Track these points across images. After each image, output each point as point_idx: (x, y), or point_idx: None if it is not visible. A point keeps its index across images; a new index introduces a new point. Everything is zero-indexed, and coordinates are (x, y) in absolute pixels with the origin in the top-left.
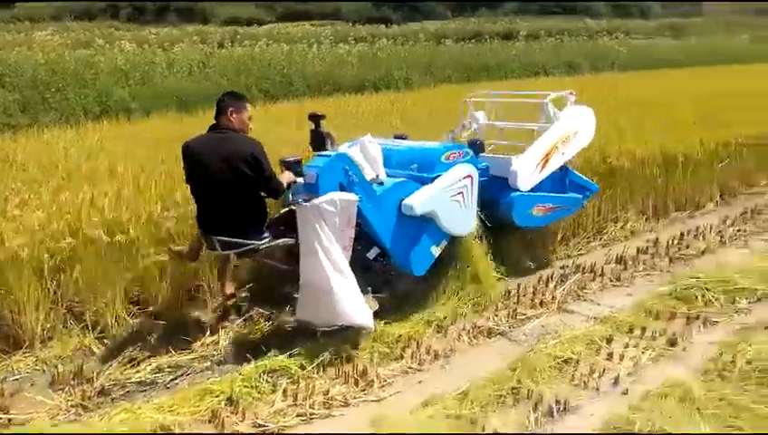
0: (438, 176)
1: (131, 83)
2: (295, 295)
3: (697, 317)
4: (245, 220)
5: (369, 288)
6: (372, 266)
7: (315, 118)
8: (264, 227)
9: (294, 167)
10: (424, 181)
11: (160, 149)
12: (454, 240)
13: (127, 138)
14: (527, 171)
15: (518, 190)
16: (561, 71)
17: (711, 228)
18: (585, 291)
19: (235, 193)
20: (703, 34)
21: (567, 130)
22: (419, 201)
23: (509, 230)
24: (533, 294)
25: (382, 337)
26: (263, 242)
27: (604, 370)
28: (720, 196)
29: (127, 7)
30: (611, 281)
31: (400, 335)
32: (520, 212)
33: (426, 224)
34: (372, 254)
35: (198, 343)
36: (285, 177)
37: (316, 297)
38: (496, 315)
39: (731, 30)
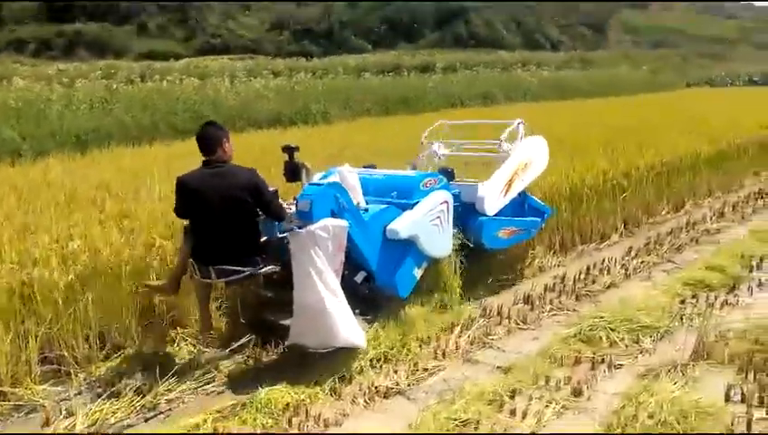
0: (418, 202)
1: (22, 122)
2: (281, 322)
3: (602, 361)
4: (243, 249)
5: (357, 311)
6: (358, 290)
7: (289, 150)
8: (256, 255)
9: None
10: (404, 207)
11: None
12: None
13: None
14: (493, 197)
15: (485, 215)
16: (476, 102)
17: (616, 261)
18: (491, 337)
19: (235, 223)
20: (607, 66)
21: (525, 158)
22: (403, 226)
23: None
24: (437, 343)
25: (268, 405)
26: (257, 269)
27: (506, 430)
28: (624, 226)
29: (33, 42)
30: (518, 324)
31: (288, 404)
32: (488, 235)
33: (408, 247)
34: (359, 278)
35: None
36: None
37: (312, 319)
38: (396, 371)
39: (633, 62)
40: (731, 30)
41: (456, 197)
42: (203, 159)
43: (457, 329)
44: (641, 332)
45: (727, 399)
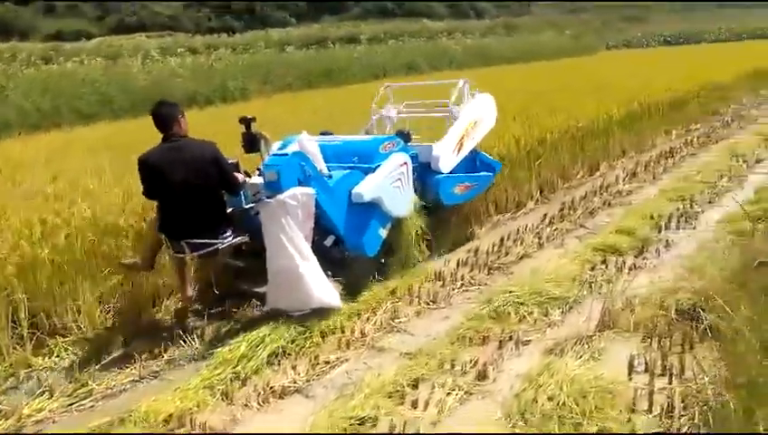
0: (379, 165)
1: None
2: (254, 290)
3: (510, 338)
4: (211, 221)
5: (329, 273)
6: (328, 254)
7: (246, 121)
8: (225, 226)
9: (234, 168)
10: (366, 171)
11: None
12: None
13: None
14: (447, 155)
15: (441, 173)
16: (401, 72)
17: (530, 230)
18: (399, 320)
19: (200, 196)
20: (531, 32)
21: (475, 116)
22: (367, 189)
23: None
24: (342, 332)
25: (147, 419)
26: (226, 241)
27: (405, 424)
28: (540, 193)
29: None
30: (428, 304)
31: (171, 415)
32: (445, 192)
33: (372, 209)
34: (329, 241)
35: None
36: (239, 177)
37: (287, 284)
38: (294, 367)
39: (556, 27)
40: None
41: (414, 158)
42: (161, 136)
43: (365, 315)
44: (550, 304)
45: (630, 370)
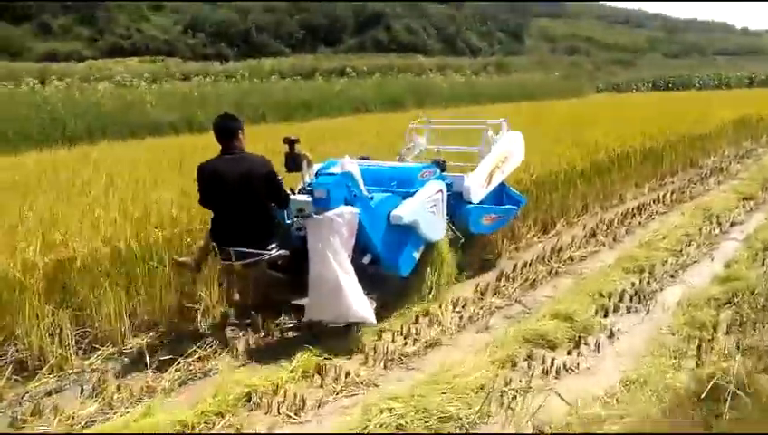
0: (417, 191)
1: None
2: (293, 302)
3: None
4: (259, 233)
5: (366, 291)
6: (365, 271)
7: (290, 142)
8: (271, 239)
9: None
10: (405, 196)
11: None
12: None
13: None
14: (477, 186)
15: (471, 203)
16: (385, 107)
17: (453, 306)
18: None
19: (251, 208)
20: (522, 71)
21: (505, 151)
22: (406, 212)
23: None
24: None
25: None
26: (271, 253)
27: None
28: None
29: None
30: (289, 416)
31: None
32: (474, 221)
33: (409, 232)
34: (366, 259)
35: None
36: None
37: (328, 296)
38: None
39: (547, 68)
40: (640, 39)
41: (449, 186)
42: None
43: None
44: (441, 427)
45: None
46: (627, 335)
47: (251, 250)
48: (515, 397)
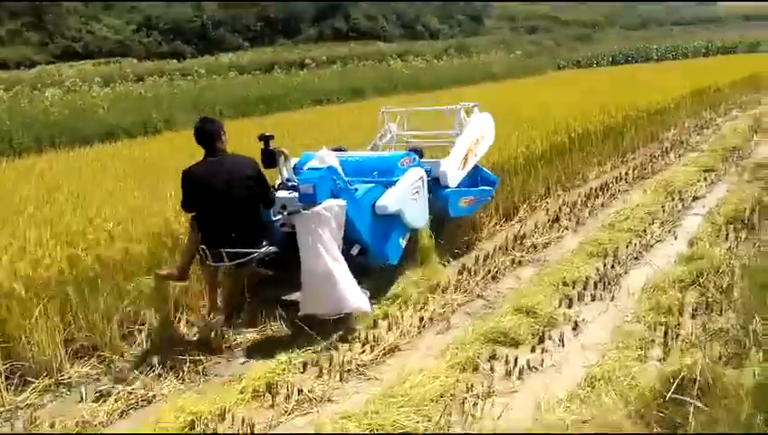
0: (398, 179)
1: None
2: (285, 298)
3: None
4: (249, 232)
5: (358, 280)
6: (354, 262)
7: (265, 138)
8: (261, 236)
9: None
10: (387, 185)
11: None
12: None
13: None
14: (454, 171)
15: (448, 187)
16: (345, 96)
17: (413, 305)
18: None
19: (240, 208)
20: (483, 52)
21: (477, 134)
22: (391, 201)
23: None
24: None
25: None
26: (263, 250)
27: None
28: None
29: None
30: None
31: None
32: (453, 205)
33: (394, 220)
34: (355, 250)
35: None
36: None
37: (322, 289)
38: None
39: (508, 47)
40: (597, 14)
41: (428, 172)
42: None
43: None
44: None
45: None
46: (592, 326)
47: (243, 250)
48: (476, 404)
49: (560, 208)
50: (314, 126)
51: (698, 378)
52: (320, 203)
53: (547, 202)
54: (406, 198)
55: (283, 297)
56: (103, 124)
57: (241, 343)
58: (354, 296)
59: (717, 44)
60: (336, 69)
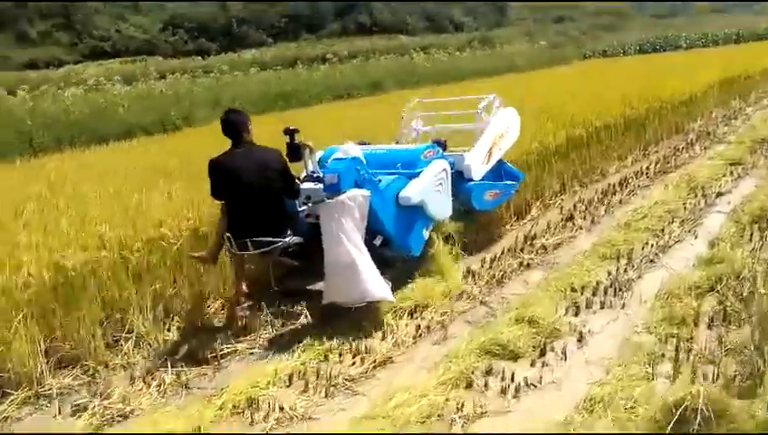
0: (421, 171)
1: None
2: (309, 287)
3: None
4: (275, 221)
5: (381, 271)
6: (376, 252)
7: (290, 132)
8: (286, 226)
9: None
10: (411, 177)
11: None
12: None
13: None
14: (478, 164)
15: (472, 180)
16: (365, 91)
17: (410, 312)
18: None
19: (266, 198)
20: (507, 43)
21: (501, 128)
22: (414, 192)
23: None
24: None
25: None
26: (288, 240)
27: None
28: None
29: None
30: None
31: None
32: (477, 198)
33: (417, 212)
34: (378, 241)
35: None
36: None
37: (345, 278)
38: None
39: (532, 38)
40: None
41: (452, 165)
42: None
43: None
44: None
45: None
46: (598, 337)
47: (268, 239)
48: (465, 425)
49: (575, 206)
50: (330, 121)
51: (702, 408)
52: (344, 192)
53: (562, 199)
54: (429, 190)
55: (307, 287)
56: (123, 123)
57: (228, 353)
58: (377, 286)
59: (747, 31)
60: (357, 63)
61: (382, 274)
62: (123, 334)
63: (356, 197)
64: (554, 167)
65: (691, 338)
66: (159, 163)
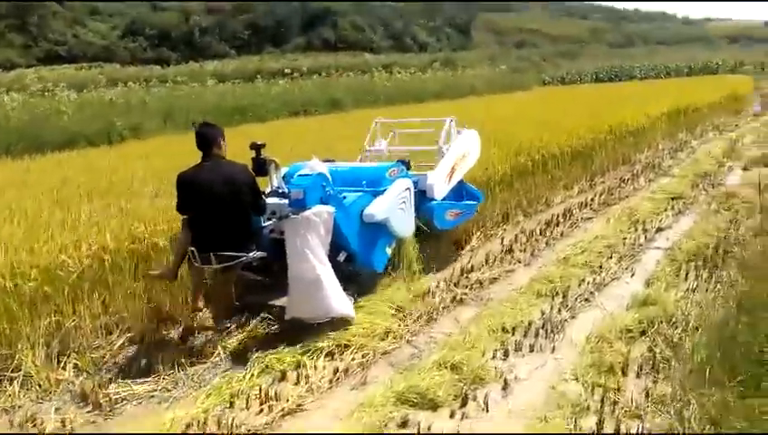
0: (386, 189)
1: None
2: (271, 302)
3: None
4: (240, 237)
5: (343, 286)
6: (340, 268)
7: (256, 147)
8: (250, 242)
9: None
10: (375, 194)
11: None
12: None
13: None
14: (440, 183)
15: (435, 199)
16: (324, 108)
17: (330, 354)
18: None
19: (233, 212)
20: (470, 66)
21: (463, 149)
22: (379, 210)
23: None
24: None
25: None
26: (252, 255)
27: None
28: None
29: None
30: None
31: None
32: (439, 217)
33: (380, 229)
34: (341, 257)
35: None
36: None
37: (308, 294)
38: None
39: (494, 62)
40: (584, 30)
41: (415, 184)
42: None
43: None
44: None
45: None
46: (525, 384)
47: (232, 253)
48: None
49: (516, 238)
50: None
51: None
52: (309, 208)
53: (504, 229)
54: (393, 208)
55: (269, 302)
56: (65, 131)
57: (126, 396)
58: (340, 302)
59: (700, 64)
60: (317, 80)
61: (345, 289)
62: (8, 374)
63: (321, 213)
64: (498, 196)
65: (618, 389)
66: (87, 178)
